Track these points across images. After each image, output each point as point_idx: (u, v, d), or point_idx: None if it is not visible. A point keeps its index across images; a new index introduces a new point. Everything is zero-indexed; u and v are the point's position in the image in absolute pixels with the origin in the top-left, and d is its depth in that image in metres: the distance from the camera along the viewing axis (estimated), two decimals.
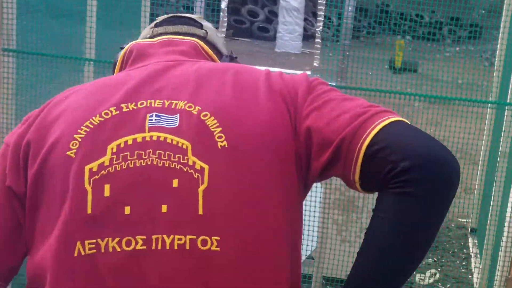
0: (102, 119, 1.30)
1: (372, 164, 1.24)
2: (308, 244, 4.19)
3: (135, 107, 1.31)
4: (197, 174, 1.24)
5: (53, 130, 1.32)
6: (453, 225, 5.78)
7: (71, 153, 1.28)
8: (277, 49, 13.39)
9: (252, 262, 1.24)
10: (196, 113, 1.29)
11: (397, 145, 1.22)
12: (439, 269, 5.03)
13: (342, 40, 3.82)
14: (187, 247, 1.21)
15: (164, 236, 1.22)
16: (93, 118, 1.30)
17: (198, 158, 1.25)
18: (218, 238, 1.22)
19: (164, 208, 1.23)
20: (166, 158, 1.26)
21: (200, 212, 1.23)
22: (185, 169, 1.25)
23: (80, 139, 1.28)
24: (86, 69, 4.18)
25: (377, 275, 1.22)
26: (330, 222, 4.35)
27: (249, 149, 1.28)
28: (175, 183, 1.24)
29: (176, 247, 1.21)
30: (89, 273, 1.23)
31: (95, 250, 1.23)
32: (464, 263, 5.24)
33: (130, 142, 1.28)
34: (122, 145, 1.27)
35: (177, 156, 1.26)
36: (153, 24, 1.60)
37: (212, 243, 1.22)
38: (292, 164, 1.30)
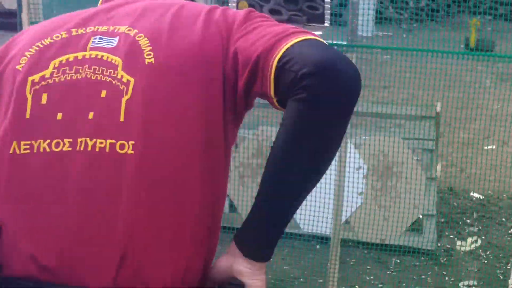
0: (52, 41, 1.47)
1: (281, 77, 1.32)
2: (347, 209, 4.27)
3: (83, 32, 1.48)
4: (123, 86, 1.38)
5: (12, 50, 1.51)
6: (504, 196, 5.61)
7: (20, 67, 1.45)
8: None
9: (157, 170, 1.34)
10: (132, 35, 1.44)
11: (300, 56, 1.30)
12: (482, 237, 4.95)
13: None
14: (107, 150, 1.34)
15: (87, 139, 1.35)
16: (45, 39, 1.48)
17: (126, 73, 1.39)
18: (133, 142, 1.34)
19: (90, 115, 1.36)
20: (100, 72, 1.40)
21: (121, 119, 1.35)
22: (113, 82, 1.39)
23: (29, 56, 1.46)
24: None
25: (270, 183, 1.33)
26: (369, 188, 4.45)
27: (174, 67, 1.40)
28: (103, 93, 1.38)
29: (97, 150, 1.34)
30: (20, 171, 1.37)
31: (29, 151, 1.37)
32: (510, 231, 5.14)
33: (71, 59, 1.43)
34: (64, 61, 1.43)
35: (109, 71, 1.40)
36: None
37: (128, 147, 1.34)
38: (219, 86, 1.40)
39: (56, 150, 1.35)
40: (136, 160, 1.33)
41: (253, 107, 1.51)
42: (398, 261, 4.57)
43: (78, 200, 1.33)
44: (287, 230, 1.48)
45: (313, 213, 4.35)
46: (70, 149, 1.35)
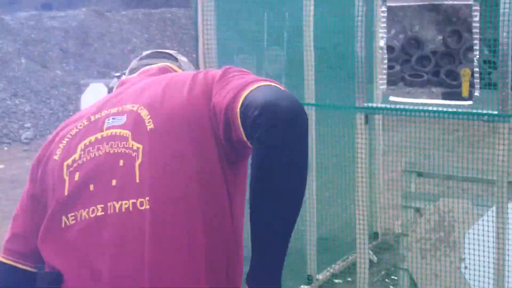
0: (77, 130, 1.78)
1: (244, 122, 1.53)
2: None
3: (99, 116, 1.78)
4: (134, 153, 1.65)
5: (51, 146, 1.83)
6: None
7: (56, 157, 1.76)
8: None
9: (168, 219, 1.60)
10: (135, 109, 1.72)
11: (253, 101, 1.51)
12: None
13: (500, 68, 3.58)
14: (130, 209, 1.61)
15: (114, 202, 1.62)
16: (72, 130, 1.80)
17: (135, 141, 1.66)
18: (148, 198, 1.60)
19: (114, 182, 1.65)
20: (116, 146, 1.68)
21: (137, 180, 1.62)
22: (127, 152, 1.66)
23: (62, 147, 1.77)
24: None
25: (253, 220, 1.54)
26: None
27: (169, 129, 1.65)
28: (121, 163, 1.66)
29: (123, 210, 1.61)
30: (68, 239, 1.68)
31: (74, 221, 1.67)
32: None
33: (93, 140, 1.73)
34: (87, 143, 1.73)
35: (122, 143, 1.68)
36: (138, 57, 2.09)
37: (145, 203, 1.60)
38: (210, 139, 1.64)
39: (92, 216, 1.64)
40: (151, 212, 1.59)
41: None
42: None
43: (113, 253, 1.60)
44: None
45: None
46: (102, 213, 1.63)
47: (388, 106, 4.01)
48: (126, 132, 1.69)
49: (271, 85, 1.58)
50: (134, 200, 1.61)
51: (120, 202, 1.62)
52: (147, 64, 2.00)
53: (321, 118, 4.73)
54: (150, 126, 1.66)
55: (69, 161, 1.72)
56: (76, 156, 1.72)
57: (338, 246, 5.06)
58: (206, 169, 1.62)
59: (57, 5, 20.16)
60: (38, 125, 11.68)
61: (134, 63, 2.05)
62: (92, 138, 1.73)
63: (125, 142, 1.68)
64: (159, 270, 1.58)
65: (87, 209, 1.66)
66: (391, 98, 4.00)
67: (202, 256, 1.60)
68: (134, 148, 1.66)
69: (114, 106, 1.78)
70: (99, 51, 15.10)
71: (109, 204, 1.63)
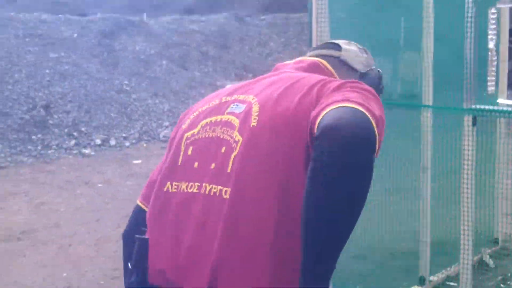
0: (208, 106, 1.92)
1: (312, 139, 1.59)
2: None
3: (229, 99, 1.89)
4: (234, 144, 1.74)
5: (188, 114, 2.02)
6: None
7: (184, 126, 1.93)
8: None
9: (241, 213, 1.67)
10: (253, 102, 1.80)
11: (322, 121, 1.54)
12: None
13: None
14: (217, 194, 1.71)
15: (207, 184, 1.75)
16: (204, 106, 1.95)
17: (239, 133, 1.75)
18: (230, 189, 1.69)
19: (212, 166, 1.76)
20: (225, 132, 1.79)
21: (229, 170, 1.72)
22: (230, 140, 1.76)
23: (191, 118, 1.94)
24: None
25: (304, 231, 1.54)
26: None
27: (269, 130, 1.70)
28: (223, 149, 1.77)
29: (211, 193, 1.73)
30: (166, 203, 1.83)
31: (176, 190, 1.82)
32: None
33: (213, 121, 1.85)
34: (208, 122, 1.86)
35: (230, 131, 1.78)
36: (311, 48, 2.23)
37: (227, 193, 1.70)
38: (301, 149, 1.66)
39: (189, 191, 1.78)
40: (229, 204, 1.67)
41: None
42: None
43: (194, 228, 1.73)
44: None
45: None
46: (197, 191, 1.76)
47: (497, 108, 3.97)
48: (236, 122, 1.78)
49: (350, 107, 1.56)
50: (221, 187, 1.70)
51: (211, 185, 1.73)
52: (312, 55, 2.12)
53: (438, 121, 4.74)
54: (253, 123, 1.73)
55: (189, 133, 1.88)
56: (195, 131, 1.86)
57: (455, 250, 5.03)
58: (291, 177, 1.66)
59: (199, 9, 20.91)
60: (176, 124, 12.21)
61: (308, 53, 2.16)
62: (213, 118, 1.85)
63: (232, 131, 1.76)
64: (225, 262, 1.65)
65: (187, 183, 1.79)
66: (499, 101, 3.96)
67: (267, 259, 1.64)
68: (236, 139, 1.74)
69: (244, 92, 1.88)
70: (237, 54, 15.54)
71: (203, 184, 1.75)
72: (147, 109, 12.32)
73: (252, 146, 1.70)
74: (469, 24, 3.81)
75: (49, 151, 10.38)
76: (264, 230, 1.65)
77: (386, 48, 5.04)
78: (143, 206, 2.04)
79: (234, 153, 1.73)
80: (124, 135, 11.41)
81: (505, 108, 3.91)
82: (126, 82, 12.76)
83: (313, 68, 2.01)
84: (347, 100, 1.59)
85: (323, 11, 4.12)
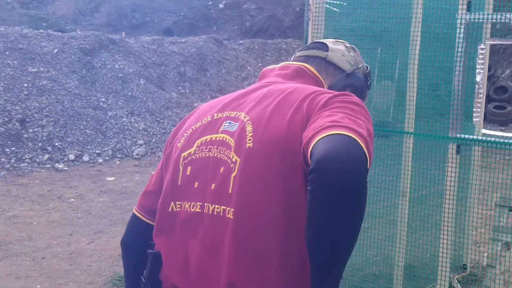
0: (201, 123, 1.93)
1: (307, 168, 1.60)
2: None
3: (221, 116, 1.91)
4: (232, 164, 1.78)
5: (181, 129, 2.02)
6: None
7: (179, 145, 1.94)
8: None
9: (248, 234, 1.71)
10: (245, 121, 1.82)
11: (314, 153, 1.55)
12: None
13: None
14: (221, 214, 1.76)
15: (209, 204, 1.79)
16: (197, 123, 1.95)
17: (236, 154, 1.78)
18: (233, 209, 1.74)
19: (212, 186, 1.80)
20: (222, 152, 1.82)
21: (230, 191, 1.76)
22: (228, 161, 1.79)
23: (186, 136, 1.94)
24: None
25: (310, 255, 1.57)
26: None
27: (264, 150, 1.74)
28: (221, 169, 1.80)
29: (215, 213, 1.77)
30: (172, 223, 1.88)
31: (179, 209, 1.87)
32: None
33: (208, 140, 1.87)
34: (203, 141, 1.88)
35: (227, 151, 1.81)
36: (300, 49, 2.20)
37: (231, 213, 1.74)
38: (298, 166, 1.69)
39: (193, 210, 1.82)
40: (234, 224, 1.72)
41: None
42: None
43: (201, 248, 1.78)
44: None
45: None
46: (200, 210, 1.80)
47: (480, 138, 4.09)
48: (232, 142, 1.80)
49: (340, 135, 1.57)
50: (224, 207, 1.75)
51: (214, 205, 1.77)
52: (299, 56, 2.12)
53: (419, 148, 4.85)
54: (249, 144, 1.76)
55: (186, 153, 1.89)
56: (192, 150, 1.88)
57: (426, 275, 5.12)
58: (291, 195, 1.69)
59: (179, 31, 21.01)
60: (150, 143, 12.17)
61: (295, 54, 2.17)
62: (208, 137, 1.87)
63: (229, 152, 1.79)
64: (237, 284, 1.71)
65: (189, 203, 1.83)
66: (483, 131, 4.08)
67: (277, 277, 1.70)
68: (233, 160, 1.77)
69: (235, 109, 1.89)
70: (214, 77, 15.62)
71: (205, 204, 1.79)
72: (122, 127, 12.31)
73: (249, 167, 1.74)
74: (458, 59, 3.93)
75: (22, 164, 10.33)
76: (271, 249, 1.70)
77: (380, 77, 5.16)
78: (140, 216, 2.07)
79: (234, 174, 1.76)
80: (98, 151, 11.40)
81: (492, 139, 4.02)
82: (103, 99, 12.75)
83: (298, 74, 2.02)
84: (336, 125, 1.60)
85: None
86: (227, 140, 1.82)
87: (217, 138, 1.85)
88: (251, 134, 1.77)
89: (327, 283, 1.56)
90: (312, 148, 1.57)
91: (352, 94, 1.82)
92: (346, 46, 2.18)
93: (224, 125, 1.87)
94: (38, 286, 5.49)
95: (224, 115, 1.90)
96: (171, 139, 2.04)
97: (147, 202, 2.06)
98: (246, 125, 1.80)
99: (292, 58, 2.15)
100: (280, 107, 1.80)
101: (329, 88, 2.04)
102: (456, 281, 5.06)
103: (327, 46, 2.12)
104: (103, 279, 5.62)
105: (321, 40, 2.19)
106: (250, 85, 2.02)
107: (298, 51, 2.16)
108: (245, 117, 1.83)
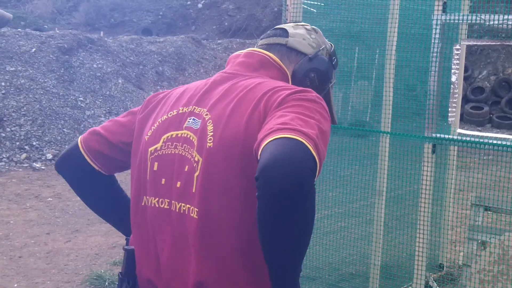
0: (166, 117, 1.93)
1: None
2: None
3: (186, 110, 1.90)
4: (195, 164, 1.79)
5: (149, 120, 2.01)
6: None
7: (146, 137, 1.94)
8: None
9: (211, 234, 1.75)
10: (206, 119, 1.83)
11: (261, 158, 1.55)
12: None
13: None
14: (186, 213, 1.79)
15: (176, 202, 1.82)
16: (163, 116, 1.95)
17: (198, 153, 1.80)
18: (197, 209, 1.76)
19: (178, 184, 1.82)
20: (186, 150, 1.83)
21: (193, 190, 1.78)
22: (191, 160, 1.81)
23: (152, 130, 1.94)
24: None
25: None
26: None
27: (223, 151, 1.75)
28: (186, 168, 1.81)
29: (181, 211, 1.80)
30: (143, 217, 1.92)
31: (149, 204, 1.90)
32: None
33: (173, 136, 1.88)
34: (169, 137, 1.88)
35: (190, 150, 1.82)
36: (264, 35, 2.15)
37: (195, 213, 1.77)
38: (256, 163, 1.64)
39: (162, 206, 1.86)
40: (197, 224, 1.75)
41: None
42: None
43: (170, 244, 1.82)
44: None
45: None
46: (168, 207, 1.84)
47: (456, 137, 4.13)
48: (195, 140, 1.81)
49: (288, 138, 1.56)
50: (189, 206, 1.78)
51: (180, 203, 1.81)
52: (261, 44, 2.06)
53: (395, 148, 4.89)
54: (209, 143, 1.77)
55: (152, 148, 1.90)
56: (158, 146, 1.89)
57: (403, 274, 5.16)
58: (252, 195, 1.63)
59: (157, 31, 20.95)
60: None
61: (258, 42, 2.11)
62: (174, 133, 1.87)
63: (192, 150, 1.81)
64: (205, 284, 1.76)
65: (157, 198, 1.86)
66: (459, 131, 4.12)
67: (243, 275, 1.75)
68: (196, 159, 1.79)
69: (199, 104, 1.88)
70: (193, 76, 15.59)
71: (172, 201, 1.83)
72: None
73: (210, 168, 1.76)
74: (434, 59, 3.97)
75: (0, 164, 10.27)
76: (235, 248, 1.74)
77: (340, 78, 5.19)
78: (82, 151, 2.10)
79: (196, 173, 1.78)
80: None
81: (468, 138, 4.06)
82: (81, 98, 12.69)
83: (262, 64, 1.98)
84: (284, 128, 1.59)
85: None
86: (190, 138, 1.83)
87: (182, 135, 1.86)
88: (212, 134, 1.78)
89: (284, 279, 1.60)
90: (260, 152, 1.58)
91: (310, 90, 1.80)
92: (306, 28, 2.10)
93: (188, 121, 1.86)
94: (15, 285, 5.47)
95: (188, 110, 1.89)
96: (143, 116, 2.04)
97: (92, 140, 2.08)
98: (208, 124, 1.81)
99: (255, 46, 2.10)
100: (240, 106, 1.80)
101: (293, 73, 2.01)
102: (433, 280, 5.11)
103: (287, 32, 2.06)
104: (80, 278, 5.61)
105: (281, 26, 2.12)
106: (217, 74, 1.99)
107: (260, 39, 2.11)
108: (206, 114, 1.84)
